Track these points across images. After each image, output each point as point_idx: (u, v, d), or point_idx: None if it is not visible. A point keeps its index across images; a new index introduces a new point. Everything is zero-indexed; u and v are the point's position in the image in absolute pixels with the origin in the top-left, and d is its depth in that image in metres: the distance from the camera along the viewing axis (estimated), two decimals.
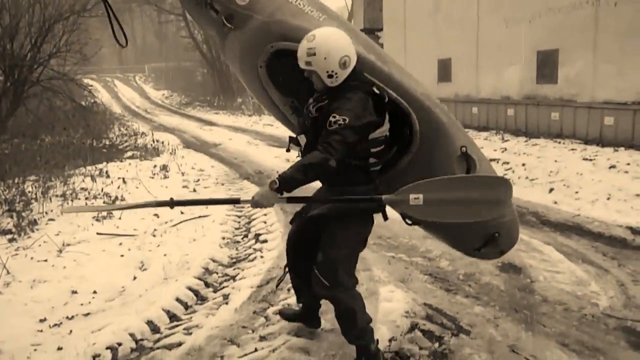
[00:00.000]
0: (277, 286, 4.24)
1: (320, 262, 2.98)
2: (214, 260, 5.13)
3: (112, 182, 8.29)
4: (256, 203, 2.78)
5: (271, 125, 18.53)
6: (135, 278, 4.80)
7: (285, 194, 2.79)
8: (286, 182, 2.70)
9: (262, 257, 5.15)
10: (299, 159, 2.85)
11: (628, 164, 7.19)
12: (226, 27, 3.20)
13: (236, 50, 3.28)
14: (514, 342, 3.39)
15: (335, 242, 2.96)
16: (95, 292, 4.49)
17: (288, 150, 3.14)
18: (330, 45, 2.78)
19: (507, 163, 8.29)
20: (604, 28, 8.76)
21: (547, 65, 9.85)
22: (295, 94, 3.28)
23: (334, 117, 2.72)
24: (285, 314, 3.73)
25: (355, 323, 3.05)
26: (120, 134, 16.23)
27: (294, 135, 3.09)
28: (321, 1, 3.30)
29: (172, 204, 3.05)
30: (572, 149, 8.39)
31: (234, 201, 3.11)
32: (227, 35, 3.26)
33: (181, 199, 3.52)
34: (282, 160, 10.81)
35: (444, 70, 12.98)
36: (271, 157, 11.21)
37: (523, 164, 8.06)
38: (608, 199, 6.39)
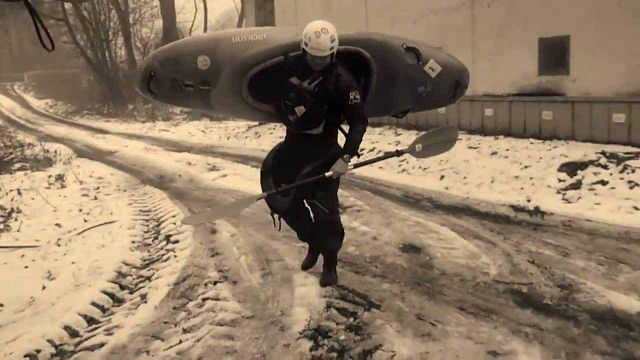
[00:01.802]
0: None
1: (321, 197, 3.97)
2: (126, 264, 5.13)
3: (6, 194, 7.94)
4: (337, 173, 3.84)
5: (167, 131, 18.27)
6: (44, 287, 4.70)
7: (351, 162, 3.95)
8: (354, 150, 3.86)
9: (175, 256, 5.22)
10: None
11: (507, 149, 7.92)
12: (204, 90, 3.96)
13: (223, 98, 4.03)
14: (419, 311, 3.75)
15: (330, 183, 3.94)
16: (1, 305, 4.37)
17: (287, 122, 3.98)
18: (334, 29, 3.70)
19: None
20: (480, 28, 9.54)
21: None
22: (273, 97, 4.02)
23: (353, 94, 3.79)
24: (303, 266, 4.56)
25: (342, 237, 4.20)
26: (4, 145, 15.34)
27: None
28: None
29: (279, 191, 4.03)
30: (458, 139, 9.05)
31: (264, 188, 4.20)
32: (209, 95, 4.00)
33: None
34: (183, 164, 10.79)
35: None
36: (172, 162, 11.14)
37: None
38: (492, 182, 7.04)
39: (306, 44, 3.71)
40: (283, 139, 4.28)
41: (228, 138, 15.07)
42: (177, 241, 5.69)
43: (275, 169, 4.19)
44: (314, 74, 3.79)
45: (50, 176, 9.61)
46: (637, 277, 4.19)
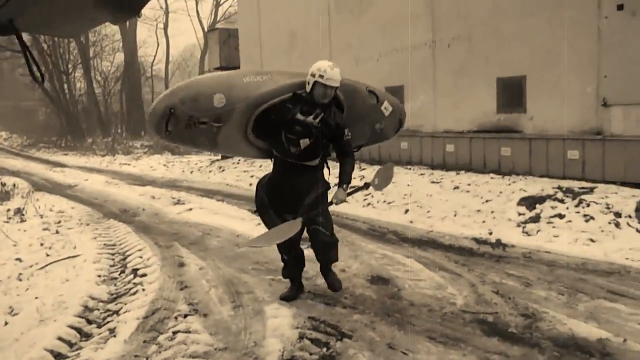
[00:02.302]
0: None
1: (322, 222, 4.39)
2: (92, 298, 5.05)
3: None
4: (340, 201, 4.42)
5: (128, 165, 18.10)
6: (6, 323, 4.60)
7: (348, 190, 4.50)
8: (349, 180, 4.45)
9: (143, 290, 5.18)
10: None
11: (469, 184, 8.16)
12: (216, 127, 4.18)
13: (231, 135, 4.29)
14: (391, 340, 3.83)
15: (326, 210, 4.44)
16: None
17: (294, 152, 4.32)
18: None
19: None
20: (440, 67, 9.90)
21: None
22: (270, 133, 4.40)
23: (347, 130, 4.38)
24: (287, 297, 4.69)
25: (337, 253, 4.67)
26: None
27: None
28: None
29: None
30: (422, 174, 9.30)
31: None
32: (219, 132, 4.22)
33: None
34: (147, 197, 10.70)
35: None
36: (135, 195, 11.03)
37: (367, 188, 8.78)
38: (455, 215, 7.23)
39: (321, 76, 4.20)
40: (269, 174, 4.63)
41: (191, 172, 15.03)
42: (144, 275, 5.64)
43: (274, 201, 4.48)
44: (316, 110, 4.25)
45: (8, 210, 9.40)
46: (596, 305, 4.37)
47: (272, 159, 4.58)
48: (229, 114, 4.20)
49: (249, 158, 4.74)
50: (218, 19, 33.91)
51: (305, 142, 4.27)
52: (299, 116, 4.24)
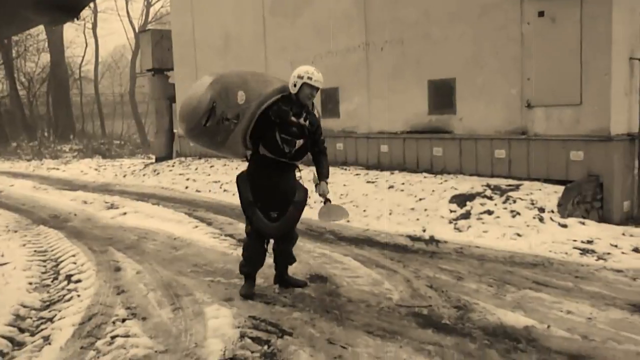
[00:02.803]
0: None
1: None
2: (24, 306, 4.89)
3: None
4: (325, 194, 4.76)
5: (57, 169, 17.52)
6: None
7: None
8: (328, 174, 4.76)
9: (79, 296, 5.06)
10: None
11: (403, 183, 8.40)
12: (233, 125, 4.33)
13: (237, 134, 4.43)
14: (330, 335, 3.92)
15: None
16: None
17: (290, 153, 4.50)
18: None
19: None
20: (374, 69, 10.13)
21: (330, 101, 11.00)
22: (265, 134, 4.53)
23: (321, 130, 4.69)
24: (249, 294, 4.76)
25: None
26: None
27: None
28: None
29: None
30: (357, 174, 9.48)
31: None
32: (232, 131, 4.36)
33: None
34: (79, 202, 10.40)
35: None
36: (66, 201, 10.70)
37: None
38: (390, 214, 7.44)
39: (310, 78, 4.39)
40: (245, 173, 4.67)
41: (124, 176, 14.71)
42: (79, 280, 5.51)
43: (260, 199, 4.59)
44: (303, 111, 4.51)
45: None
46: (522, 295, 4.62)
47: (250, 159, 4.65)
48: (245, 112, 4.36)
49: (228, 157, 4.86)
50: (149, 19, 33.24)
51: (299, 143, 4.50)
52: (293, 118, 4.44)
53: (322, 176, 4.72)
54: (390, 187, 8.40)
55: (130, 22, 34.29)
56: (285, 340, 3.86)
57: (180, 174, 12.97)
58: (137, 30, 31.61)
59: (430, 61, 9.14)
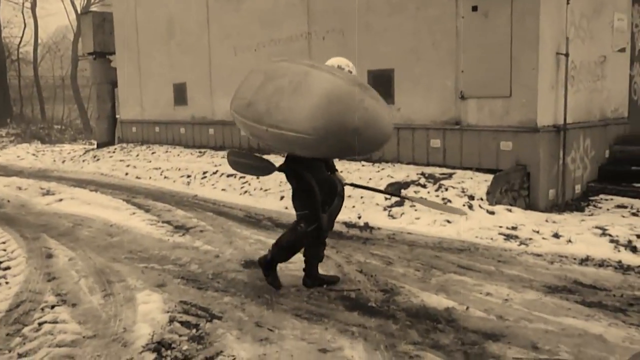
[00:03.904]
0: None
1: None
2: None
3: None
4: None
5: None
6: None
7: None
8: None
9: (7, 283, 4.99)
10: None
11: (341, 172, 8.45)
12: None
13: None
14: (259, 319, 4.03)
15: None
16: None
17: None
18: None
19: (244, 177, 9.11)
20: (316, 58, 10.16)
21: None
22: None
23: None
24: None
25: None
26: None
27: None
28: None
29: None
30: None
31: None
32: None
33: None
34: (12, 188, 10.14)
35: (180, 94, 13.49)
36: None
37: (257, 177, 8.97)
38: None
39: (350, 72, 4.33)
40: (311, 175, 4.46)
41: (63, 161, 14.38)
42: (8, 268, 5.43)
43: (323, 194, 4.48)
44: None
45: None
46: (446, 279, 4.85)
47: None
48: None
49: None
50: (92, 0, 32.26)
51: None
52: None
53: (334, 169, 4.79)
54: None
55: (72, 3, 33.20)
56: (214, 324, 3.95)
57: (120, 160, 12.78)
58: (79, 12, 30.63)
59: (370, 52, 9.29)
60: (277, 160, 4.88)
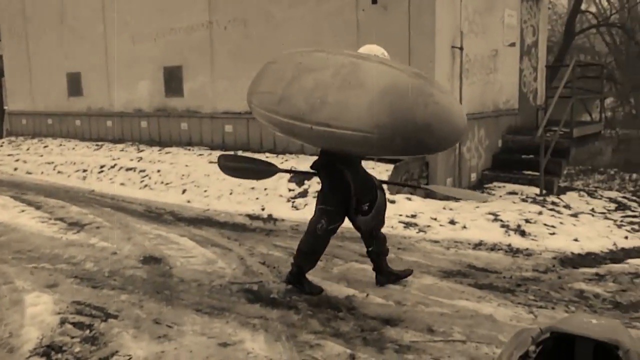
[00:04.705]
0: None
1: None
2: None
3: None
4: None
5: None
6: None
7: None
8: None
9: None
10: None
11: None
12: None
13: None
14: (157, 316, 3.90)
15: None
16: None
17: None
18: None
19: (144, 171, 8.83)
20: (218, 48, 10.04)
21: (173, 80, 10.74)
22: None
23: None
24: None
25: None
26: None
27: None
28: None
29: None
30: (200, 155, 9.38)
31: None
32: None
33: None
34: None
35: (74, 84, 12.82)
36: None
37: (158, 171, 8.71)
38: (231, 193, 7.49)
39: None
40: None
41: None
42: None
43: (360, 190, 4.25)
44: None
45: None
46: (348, 268, 4.93)
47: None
48: None
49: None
50: None
51: None
52: None
53: None
54: None
55: None
56: (109, 324, 3.78)
57: (9, 155, 11.98)
58: None
59: (273, 43, 9.23)
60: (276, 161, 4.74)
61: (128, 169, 9.08)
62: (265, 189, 7.41)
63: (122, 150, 10.53)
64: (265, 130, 9.41)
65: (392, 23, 7.88)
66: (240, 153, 9.07)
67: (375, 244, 4.47)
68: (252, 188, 7.53)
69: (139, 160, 9.54)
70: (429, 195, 7.72)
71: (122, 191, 8.33)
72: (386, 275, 4.54)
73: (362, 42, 8.14)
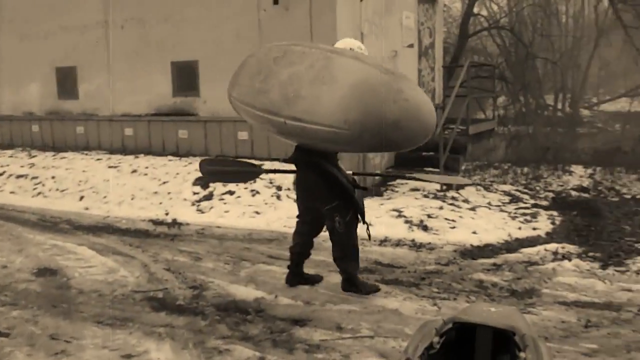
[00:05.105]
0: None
1: None
2: None
3: None
4: None
5: None
6: None
7: None
8: None
9: None
10: None
11: (147, 167, 8.18)
12: None
13: None
14: (54, 331, 3.67)
15: None
16: None
17: None
18: None
19: (37, 177, 8.33)
20: (115, 48, 9.63)
21: (67, 81, 10.20)
22: None
23: None
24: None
25: None
26: None
27: None
28: None
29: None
30: (99, 159, 8.96)
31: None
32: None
33: None
34: None
35: None
36: None
37: (53, 177, 8.24)
38: (132, 199, 7.23)
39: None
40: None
41: None
42: None
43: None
44: None
45: None
46: (256, 270, 4.88)
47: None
48: None
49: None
50: None
51: None
52: None
53: None
54: (134, 171, 8.13)
55: None
56: (1, 342, 3.51)
57: None
58: None
59: (173, 43, 9.00)
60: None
61: (19, 176, 8.53)
62: (169, 193, 7.21)
63: (11, 157, 9.84)
64: (168, 133, 9.17)
65: (294, 23, 7.90)
66: (141, 156, 8.80)
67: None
68: (155, 193, 7.30)
69: (30, 167, 8.97)
70: None
71: (13, 200, 7.81)
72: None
73: (264, 43, 8.17)
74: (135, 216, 6.71)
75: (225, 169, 4.75)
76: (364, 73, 3.66)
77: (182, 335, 3.60)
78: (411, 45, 9.88)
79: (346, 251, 4.21)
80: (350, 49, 4.04)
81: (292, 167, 4.37)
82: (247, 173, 4.76)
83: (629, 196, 9.00)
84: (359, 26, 8.16)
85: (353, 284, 4.25)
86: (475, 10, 16.52)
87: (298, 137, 3.93)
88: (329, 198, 4.10)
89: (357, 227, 4.24)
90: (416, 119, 3.65)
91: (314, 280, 4.54)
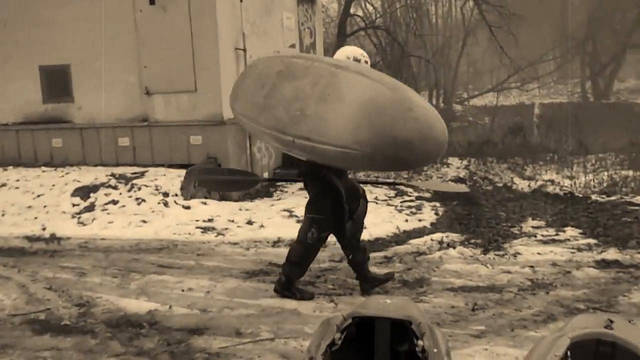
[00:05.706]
0: None
1: None
2: None
3: None
4: None
5: None
6: None
7: None
8: None
9: None
10: None
11: (18, 180, 7.58)
12: None
13: None
14: None
15: None
16: None
17: None
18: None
19: None
20: None
21: None
22: None
23: None
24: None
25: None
26: None
27: None
28: None
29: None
30: None
31: None
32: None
33: None
34: None
35: None
36: None
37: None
38: (3, 215, 6.68)
39: (367, 62, 3.95)
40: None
41: None
42: None
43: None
44: None
45: None
46: (147, 281, 4.68)
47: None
48: None
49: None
50: None
51: None
52: None
53: None
54: (3, 185, 7.50)
55: None
56: None
57: None
58: None
59: (41, 45, 8.41)
60: None
61: None
62: (45, 207, 6.73)
63: None
64: (39, 142, 8.58)
65: (173, 24, 7.68)
66: (10, 169, 8.16)
67: (358, 254, 4.28)
68: (29, 207, 6.78)
69: None
70: (224, 197, 7.69)
71: None
72: (370, 282, 4.32)
73: (141, 44, 7.88)
74: (7, 233, 6.18)
75: (221, 177, 4.75)
76: (371, 91, 3.53)
77: (70, 357, 3.38)
78: (293, 46, 9.96)
79: (300, 260, 4.18)
80: (354, 57, 3.98)
81: (290, 175, 4.49)
82: (245, 182, 4.73)
83: (500, 184, 9.67)
84: (240, 27, 8.10)
85: (288, 289, 4.21)
86: (352, 10, 16.99)
87: (308, 154, 3.83)
88: (317, 210, 4.10)
89: (324, 242, 4.28)
90: (428, 138, 3.52)
91: (387, 278, 4.42)
